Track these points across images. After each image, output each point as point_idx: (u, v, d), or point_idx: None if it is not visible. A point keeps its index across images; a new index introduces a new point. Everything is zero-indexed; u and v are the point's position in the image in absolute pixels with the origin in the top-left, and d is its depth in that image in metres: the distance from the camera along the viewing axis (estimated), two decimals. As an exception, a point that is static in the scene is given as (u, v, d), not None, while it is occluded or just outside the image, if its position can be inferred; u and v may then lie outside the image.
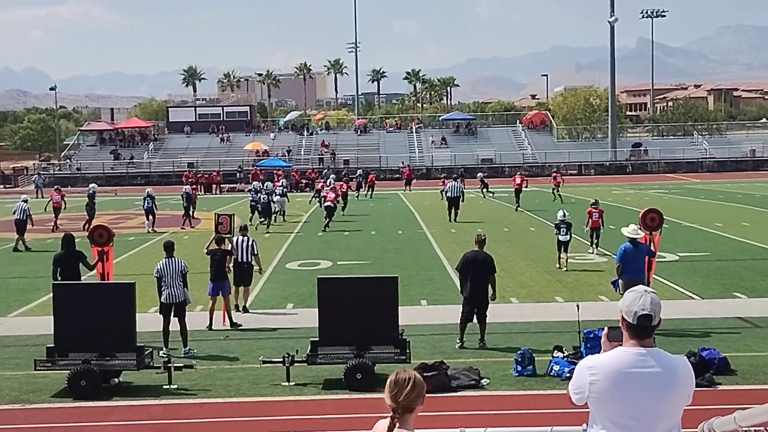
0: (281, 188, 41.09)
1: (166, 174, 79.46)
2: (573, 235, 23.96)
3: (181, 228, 36.37)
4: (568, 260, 23.45)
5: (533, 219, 37.77)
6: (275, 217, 37.49)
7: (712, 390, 12.01)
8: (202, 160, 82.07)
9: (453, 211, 37.75)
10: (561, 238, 23.46)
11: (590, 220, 26.02)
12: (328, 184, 42.72)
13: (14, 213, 31.25)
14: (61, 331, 12.89)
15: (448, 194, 38.75)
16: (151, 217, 35.90)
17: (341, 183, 46.68)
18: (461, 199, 38.86)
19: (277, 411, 11.66)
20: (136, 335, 13.05)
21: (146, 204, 35.92)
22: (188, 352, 14.56)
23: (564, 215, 23.92)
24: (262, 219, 35.75)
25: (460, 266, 15.35)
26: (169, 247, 15.28)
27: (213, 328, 16.70)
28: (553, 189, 47.60)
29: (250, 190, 40.72)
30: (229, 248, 18.26)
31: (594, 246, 26.06)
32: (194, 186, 49.06)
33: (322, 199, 38.78)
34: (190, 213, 38.06)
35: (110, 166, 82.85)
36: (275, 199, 38.60)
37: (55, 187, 43.95)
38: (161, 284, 14.86)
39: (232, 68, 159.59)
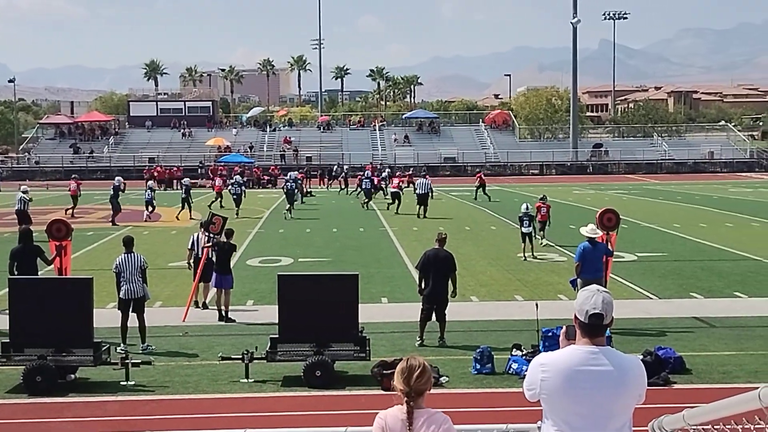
0: (297, 181, 45.25)
1: (126, 169, 78.73)
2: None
3: (147, 219, 38.07)
4: (533, 249, 25.14)
5: (495, 217, 37.97)
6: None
7: (668, 389, 12.17)
8: (164, 155, 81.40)
9: (422, 207, 38.42)
10: (524, 230, 24.97)
11: (539, 214, 27.40)
12: (383, 177, 52.84)
13: (16, 204, 32.25)
14: (17, 326, 12.73)
15: (417, 191, 39.31)
16: (150, 207, 38.55)
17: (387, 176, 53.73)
18: (430, 195, 39.70)
19: (235, 408, 11.62)
20: (94, 331, 12.92)
21: (147, 195, 38.70)
22: (146, 348, 14.46)
23: (527, 208, 25.38)
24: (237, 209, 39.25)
25: (420, 264, 15.38)
26: (128, 243, 15.16)
27: (185, 320, 16.70)
28: (477, 188, 48.64)
29: (232, 184, 43.14)
30: (190, 245, 18.19)
31: (542, 237, 27.72)
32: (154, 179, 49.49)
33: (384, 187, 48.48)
34: (154, 206, 39.74)
35: (69, 160, 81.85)
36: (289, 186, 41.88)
37: (73, 175, 45.32)
38: (120, 280, 14.74)
39: (194, 63, 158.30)
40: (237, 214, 38.23)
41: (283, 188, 42.10)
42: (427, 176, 44.56)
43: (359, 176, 50.10)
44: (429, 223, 34.92)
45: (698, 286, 20.41)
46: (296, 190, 43.04)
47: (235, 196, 40.54)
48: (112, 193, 37.85)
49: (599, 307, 4.39)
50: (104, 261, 25.09)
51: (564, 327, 4.68)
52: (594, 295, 4.43)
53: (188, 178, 44.22)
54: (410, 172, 59.13)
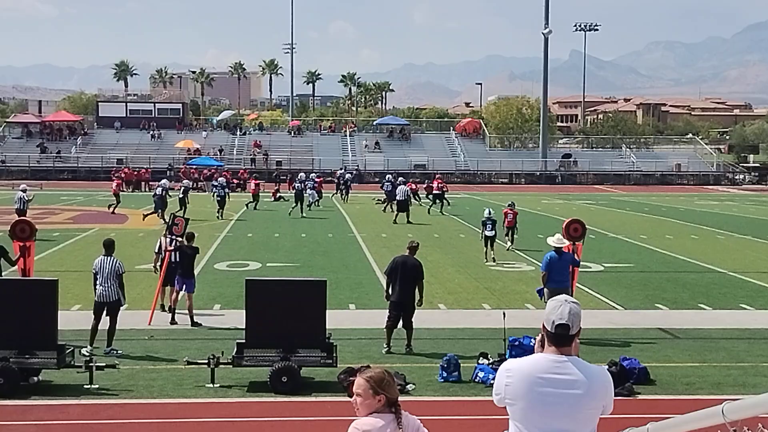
0: (312, 182, 47.55)
1: (94, 170, 78.12)
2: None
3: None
4: (494, 254, 26.21)
5: (463, 225, 38.09)
6: (308, 206, 44.33)
7: (632, 399, 12.26)
8: (132, 157, 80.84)
9: (404, 214, 39.34)
10: (487, 233, 26.09)
11: (506, 220, 28.51)
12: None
13: (15, 203, 32.31)
14: (-21, 327, 12.57)
15: (398, 198, 40.01)
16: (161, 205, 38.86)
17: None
18: (410, 202, 40.75)
19: (200, 413, 11.54)
20: (58, 333, 12.80)
21: (159, 192, 38.82)
22: (109, 352, 14.32)
23: (489, 213, 26.63)
24: (219, 210, 40.69)
25: (388, 270, 15.37)
26: (108, 246, 15.06)
27: (150, 324, 16.52)
28: (427, 195, 47.70)
29: (215, 185, 44.28)
30: (157, 249, 18.08)
31: (510, 242, 28.64)
32: (119, 182, 48.91)
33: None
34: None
35: (36, 160, 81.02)
36: (307, 192, 44.94)
37: (117, 174, 47.05)
38: (95, 281, 14.66)
39: (164, 64, 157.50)
40: (221, 216, 39.86)
41: (218, 197, 41.68)
42: (410, 183, 46.30)
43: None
44: (398, 230, 34.94)
45: (664, 297, 20.59)
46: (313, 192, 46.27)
47: (218, 198, 41.31)
48: (159, 193, 38.66)
49: (565, 318, 4.42)
50: (69, 262, 24.87)
51: (539, 335, 4.71)
52: (561, 305, 4.46)
53: (188, 180, 45.83)
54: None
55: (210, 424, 11.18)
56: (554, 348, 4.46)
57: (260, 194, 47.18)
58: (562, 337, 4.44)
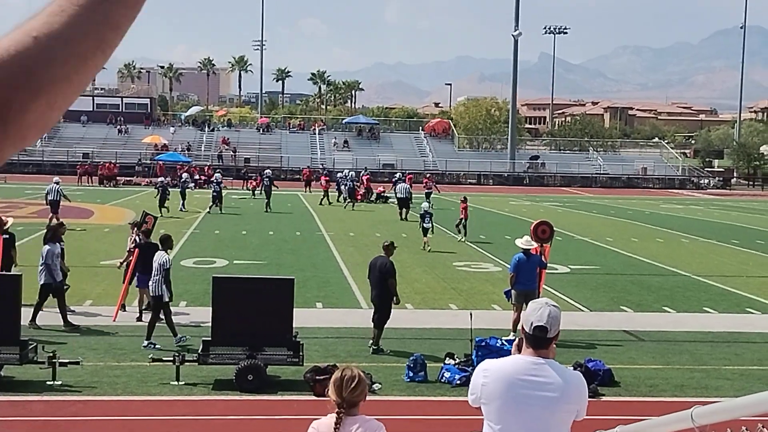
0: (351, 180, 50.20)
1: (59, 164, 77.28)
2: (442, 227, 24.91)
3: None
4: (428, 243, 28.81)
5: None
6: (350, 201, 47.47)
7: (597, 401, 12.34)
8: (98, 151, 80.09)
9: (404, 211, 40.27)
10: (425, 225, 29.17)
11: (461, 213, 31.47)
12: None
13: (48, 194, 33.41)
14: (-60, 322, 12.39)
15: (398, 195, 41.37)
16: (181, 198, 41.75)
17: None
18: (410, 199, 41.37)
19: (165, 410, 11.46)
20: (20, 329, 12.66)
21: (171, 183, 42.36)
22: (147, 345, 14.33)
23: (427, 206, 30.07)
24: (216, 206, 41.69)
25: (368, 271, 15.54)
26: (164, 240, 15.59)
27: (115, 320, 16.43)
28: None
29: (211, 182, 45.46)
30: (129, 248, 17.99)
31: (462, 235, 31.29)
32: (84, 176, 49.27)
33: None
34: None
35: (1, 153, 79.91)
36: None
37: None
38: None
39: (132, 59, 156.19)
40: (220, 210, 41.40)
41: (214, 192, 42.74)
42: (408, 180, 47.69)
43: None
44: (366, 229, 34.92)
45: (628, 300, 20.76)
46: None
47: (215, 194, 42.22)
48: (215, 187, 41.98)
49: (544, 320, 4.44)
50: (33, 257, 24.57)
51: (518, 338, 4.74)
52: (541, 308, 4.49)
53: (188, 174, 46.55)
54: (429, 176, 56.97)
55: (174, 422, 11.10)
56: (532, 350, 4.48)
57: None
58: (539, 340, 4.47)
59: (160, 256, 15.05)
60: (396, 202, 42.93)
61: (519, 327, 4.65)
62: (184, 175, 46.80)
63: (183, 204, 41.90)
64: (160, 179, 44.39)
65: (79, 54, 1.15)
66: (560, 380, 4.43)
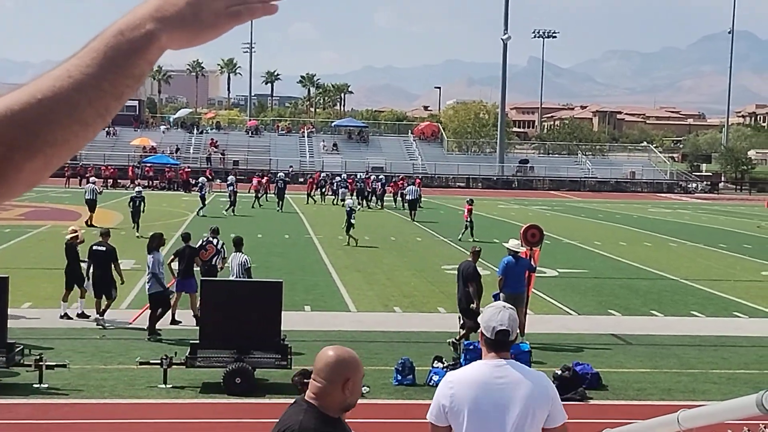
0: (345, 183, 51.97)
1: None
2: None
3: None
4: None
5: (420, 229, 38.14)
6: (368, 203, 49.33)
7: (584, 404, 12.37)
8: (86, 154, 79.71)
9: (412, 213, 41.90)
10: (353, 221, 30.65)
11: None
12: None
13: (86, 193, 35.54)
14: (-74, 324, 12.32)
15: (408, 197, 42.91)
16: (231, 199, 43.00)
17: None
18: (419, 201, 43.01)
19: (153, 414, 11.43)
20: (7, 331, 12.60)
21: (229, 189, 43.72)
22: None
23: (352, 204, 32.05)
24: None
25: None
26: (237, 243, 17.20)
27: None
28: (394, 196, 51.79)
29: (199, 185, 45.14)
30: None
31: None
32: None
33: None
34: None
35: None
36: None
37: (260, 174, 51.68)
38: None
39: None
40: (234, 212, 42.23)
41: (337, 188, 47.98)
42: (418, 180, 50.23)
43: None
44: (355, 232, 34.84)
45: (616, 304, 20.81)
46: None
47: (230, 196, 43.60)
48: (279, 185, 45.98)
49: (506, 324, 4.48)
50: (20, 259, 24.50)
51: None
52: (500, 311, 4.53)
53: (205, 178, 47.57)
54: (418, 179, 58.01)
55: (162, 425, 11.07)
56: (494, 354, 4.52)
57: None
58: (502, 343, 4.51)
59: (238, 257, 16.38)
60: (405, 205, 44.56)
61: (478, 333, 4.66)
62: (201, 179, 46.47)
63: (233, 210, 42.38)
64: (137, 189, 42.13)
65: (82, 120, 1.16)
66: (525, 378, 4.47)
